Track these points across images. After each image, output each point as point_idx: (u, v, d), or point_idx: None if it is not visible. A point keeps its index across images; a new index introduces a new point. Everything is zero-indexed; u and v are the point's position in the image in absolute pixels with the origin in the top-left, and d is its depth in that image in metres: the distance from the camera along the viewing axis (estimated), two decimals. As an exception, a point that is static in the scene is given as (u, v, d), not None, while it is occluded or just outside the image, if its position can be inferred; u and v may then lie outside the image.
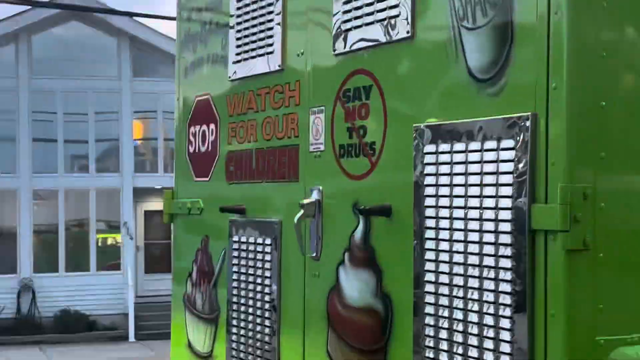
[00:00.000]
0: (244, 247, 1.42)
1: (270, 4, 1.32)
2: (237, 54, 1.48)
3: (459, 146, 0.74)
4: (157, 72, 12.13)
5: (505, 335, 0.64)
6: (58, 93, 11.86)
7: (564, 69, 0.60)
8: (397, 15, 0.92)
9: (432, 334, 0.80)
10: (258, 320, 1.36)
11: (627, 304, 0.66)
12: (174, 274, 1.90)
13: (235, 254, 1.45)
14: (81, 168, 12.51)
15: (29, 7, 10.26)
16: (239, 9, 1.47)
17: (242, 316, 1.42)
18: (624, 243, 0.66)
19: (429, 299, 0.80)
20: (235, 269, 1.46)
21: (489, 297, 0.68)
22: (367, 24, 1.01)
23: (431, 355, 0.80)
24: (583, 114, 0.61)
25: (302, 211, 1.15)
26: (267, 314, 1.30)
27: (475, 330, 0.70)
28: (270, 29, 1.32)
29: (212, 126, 1.65)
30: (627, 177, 0.69)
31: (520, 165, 0.63)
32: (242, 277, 1.43)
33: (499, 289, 0.66)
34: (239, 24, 1.47)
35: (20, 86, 11.37)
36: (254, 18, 1.39)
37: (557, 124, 0.60)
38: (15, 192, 11.37)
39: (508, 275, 0.64)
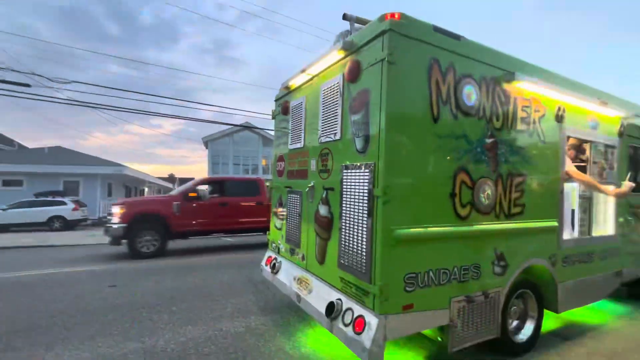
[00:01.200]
0: (292, 197, 3.87)
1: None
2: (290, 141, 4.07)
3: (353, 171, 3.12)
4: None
5: (363, 229, 2.66)
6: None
7: (384, 155, 2.34)
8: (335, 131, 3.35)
9: (344, 226, 2.85)
10: (294, 221, 3.77)
11: (404, 217, 2.43)
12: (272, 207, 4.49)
13: (289, 199, 3.94)
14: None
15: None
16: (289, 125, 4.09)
17: (288, 221, 3.88)
18: (400, 198, 2.39)
19: (344, 216, 2.87)
20: (288, 203, 3.94)
21: (360, 217, 2.55)
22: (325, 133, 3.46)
23: (343, 234, 2.79)
24: (389, 168, 2.35)
25: (307, 188, 3.54)
26: (297, 219, 3.71)
27: (354, 225, 2.90)
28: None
29: (283, 162, 4.28)
30: (400, 182, 2.40)
31: (372, 176, 2.45)
32: (290, 205, 3.90)
33: (363, 215, 2.52)
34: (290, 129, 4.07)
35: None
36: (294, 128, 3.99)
37: (381, 166, 2.34)
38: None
39: (366, 211, 2.47)
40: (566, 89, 3.46)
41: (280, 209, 4.16)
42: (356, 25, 2.98)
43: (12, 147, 28.41)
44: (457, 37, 2.67)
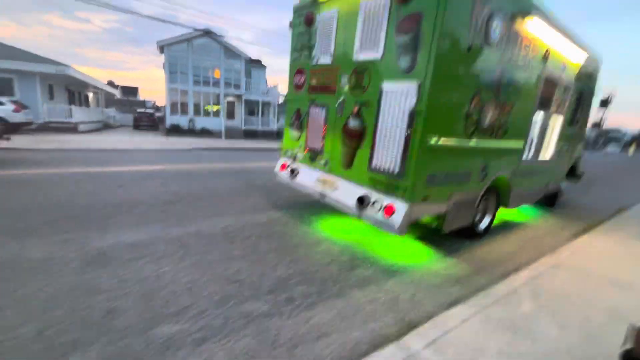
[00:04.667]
0: (315, 110, 4.13)
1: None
2: (315, 55, 4.09)
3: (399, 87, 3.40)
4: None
5: (401, 139, 3.02)
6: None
7: (431, 76, 2.70)
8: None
9: (379, 136, 3.30)
10: (317, 132, 4.07)
11: (434, 130, 2.91)
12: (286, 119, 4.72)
13: (312, 112, 4.20)
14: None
15: None
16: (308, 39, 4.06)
17: (310, 131, 4.22)
18: (435, 114, 2.87)
19: (380, 128, 3.24)
20: (310, 116, 4.21)
21: (399, 129, 2.99)
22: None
23: (377, 143, 3.25)
24: (433, 89, 2.77)
25: (337, 103, 3.79)
26: (320, 130, 4.04)
27: (392, 135, 3.33)
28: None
29: (303, 75, 4.36)
30: (438, 101, 2.86)
31: (416, 94, 2.80)
32: (312, 118, 4.18)
33: (402, 128, 2.96)
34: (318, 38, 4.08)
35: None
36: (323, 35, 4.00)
37: (427, 86, 2.72)
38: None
39: (406, 124, 2.91)
40: (561, 34, 3.95)
41: (298, 122, 4.39)
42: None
43: None
44: None
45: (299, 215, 4.61)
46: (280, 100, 26.23)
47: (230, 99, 24.14)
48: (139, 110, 26.43)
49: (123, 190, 5.32)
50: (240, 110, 24.23)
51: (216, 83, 22.68)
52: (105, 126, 23.66)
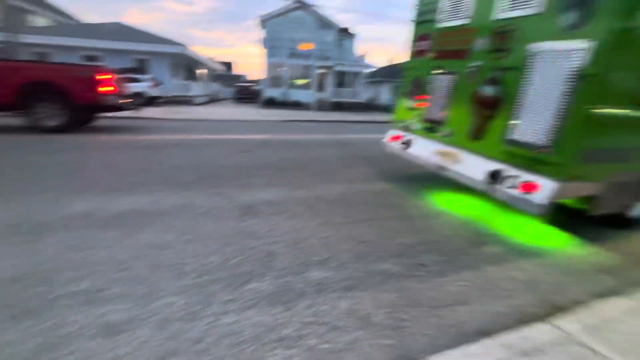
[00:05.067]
0: (439, 78, 3.93)
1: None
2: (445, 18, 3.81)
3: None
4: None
5: (555, 108, 2.99)
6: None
7: (608, 34, 2.30)
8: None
9: (525, 105, 3.01)
10: (439, 101, 3.89)
11: (599, 98, 2.51)
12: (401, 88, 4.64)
13: (435, 79, 4.01)
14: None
15: None
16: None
17: (431, 100, 4.06)
18: (603, 80, 2.42)
19: (527, 96, 3.00)
20: (433, 84, 4.03)
21: (553, 97, 2.90)
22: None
23: (522, 112, 2.96)
24: (608, 50, 2.34)
25: (470, 68, 3.51)
26: (444, 99, 3.83)
27: (543, 104, 3.07)
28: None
29: (427, 41, 4.14)
30: (610, 64, 2.52)
31: (585, 55, 2.41)
32: (435, 86, 3.99)
33: (558, 95, 2.77)
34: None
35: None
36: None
37: (601, 45, 2.31)
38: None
39: (565, 91, 2.79)
40: None
41: (416, 90, 4.25)
42: None
43: (73, 21, 28.18)
44: None
45: (410, 188, 4.60)
46: (368, 70, 25.47)
47: (321, 70, 24.49)
48: (239, 84, 28.96)
49: (247, 155, 6.05)
50: (330, 82, 24.48)
51: (308, 55, 23.19)
52: (212, 99, 26.72)
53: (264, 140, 8.03)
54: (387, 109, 26.51)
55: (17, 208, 3.11)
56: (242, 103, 24.93)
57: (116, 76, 7.35)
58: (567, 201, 3.27)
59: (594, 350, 1.75)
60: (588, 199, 3.09)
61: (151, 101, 16.71)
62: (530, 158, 2.86)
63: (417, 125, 4.28)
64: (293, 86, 23.61)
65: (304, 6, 21.65)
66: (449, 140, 3.76)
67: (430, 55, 4.00)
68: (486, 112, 3.27)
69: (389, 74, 35.92)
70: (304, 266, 2.47)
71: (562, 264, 2.81)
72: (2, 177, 3.98)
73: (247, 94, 26.34)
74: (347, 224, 3.27)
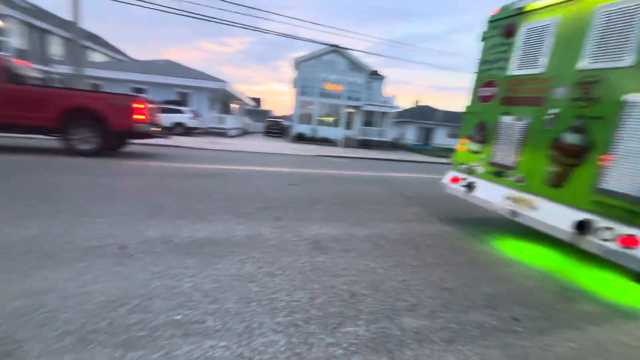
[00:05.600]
0: (508, 123, 3.90)
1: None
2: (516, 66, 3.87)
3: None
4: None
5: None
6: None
7: None
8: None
9: (619, 155, 2.99)
10: (508, 146, 3.83)
11: None
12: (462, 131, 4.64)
13: (502, 124, 3.99)
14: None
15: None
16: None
17: (498, 145, 4.01)
18: None
19: (621, 146, 2.95)
20: (500, 128, 4.00)
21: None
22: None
23: (612, 167, 2.94)
24: None
25: (549, 115, 3.43)
26: (514, 144, 3.75)
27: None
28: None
29: (495, 87, 4.19)
30: None
31: None
32: (503, 131, 3.97)
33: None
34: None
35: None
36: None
37: None
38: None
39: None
40: None
41: (481, 134, 4.24)
42: None
43: (125, 58, 30.97)
44: None
45: (471, 232, 4.43)
46: (394, 110, 26.05)
47: (350, 109, 25.29)
48: (269, 118, 30.22)
49: (296, 188, 6.10)
50: (357, 121, 25.12)
51: (338, 95, 24.14)
52: (243, 132, 27.84)
53: (306, 173, 8.14)
54: (411, 148, 26.64)
55: (101, 229, 3.19)
56: (272, 137, 25.80)
57: (150, 106, 7.74)
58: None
59: None
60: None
61: (190, 131, 17.58)
62: (629, 210, 2.70)
63: (482, 168, 4.22)
64: (322, 123, 24.35)
65: (337, 50, 22.95)
66: (522, 186, 3.66)
67: (497, 100, 4.03)
68: (569, 160, 3.18)
69: (414, 115, 36.58)
70: (393, 311, 2.34)
71: (675, 330, 2.53)
72: (70, 196, 4.16)
73: (276, 128, 27.34)
74: (421, 267, 3.14)
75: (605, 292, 3.03)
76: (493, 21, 4.16)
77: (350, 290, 2.57)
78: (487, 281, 2.99)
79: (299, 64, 23.55)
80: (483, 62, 4.32)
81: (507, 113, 3.90)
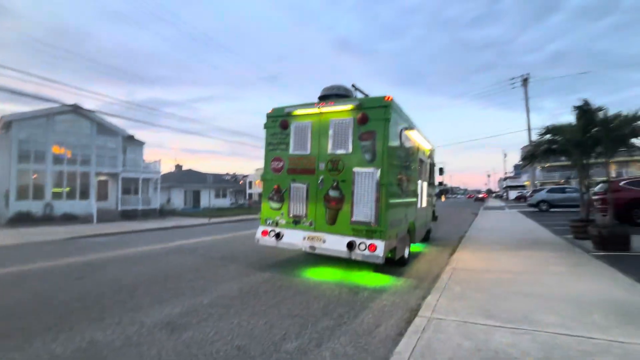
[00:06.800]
0: (296, 186, 5.55)
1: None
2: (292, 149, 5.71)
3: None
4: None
5: (373, 200, 5.07)
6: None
7: (386, 164, 4.87)
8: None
9: (356, 200, 5.11)
10: (299, 201, 5.49)
11: (389, 194, 5.13)
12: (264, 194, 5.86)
13: (293, 187, 5.59)
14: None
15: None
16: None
17: (292, 201, 5.56)
18: (389, 185, 4.92)
19: (356, 195, 5.10)
20: (292, 190, 5.58)
21: (370, 195, 5.02)
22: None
23: (356, 205, 5.03)
24: (387, 171, 4.88)
25: (319, 180, 5.38)
26: (303, 200, 5.45)
27: (366, 199, 5.12)
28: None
29: (282, 161, 5.80)
30: (389, 178, 5.16)
31: (378, 174, 4.90)
32: (294, 191, 5.56)
33: (372, 194, 5.03)
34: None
35: None
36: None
37: (384, 169, 4.81)
38: None
39: (374, 191, 5.06)
40: (421, 134, 6.96)
41: (278, 195, 5.68)
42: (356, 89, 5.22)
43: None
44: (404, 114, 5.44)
45: (282, 271, 5.59)
46: (157, 176, 24.88)
47: (103, 177, 21.43)
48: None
49: (85, 281, 4.95)
50: (115, 190, 21.63)
51: (86, 161, 20.01)
52: None
53: (70, 264, 6.50)
54: (182, 212, 25.96)
55: None
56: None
57: None
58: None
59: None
60: (392, 250, 5.36)
61: None
62: (368, 230, 4.81)
63: (284, 220, 5.59)
64: (62, 196, 18.97)
65: (77, 109, 19.37)
66: (313, 227, 5.29)
67: (285, 171, 5.64)
68: (335, 206, 5.11)
69: (178, 179, 35.94)
70: (273, 350, 2.93)
71: (398, 290, 4.70)
72: None
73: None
74: (269, 309, 3.84)
75: (369, 282, 4.99)
76: (271, 116, 5.88)
77: (236, 344, 2.88)
78: (315, 298, 4.14)
79: (13, 123, 17.61)
80: (269, 143, 5.90)
81: (294, 180, 5.55)
